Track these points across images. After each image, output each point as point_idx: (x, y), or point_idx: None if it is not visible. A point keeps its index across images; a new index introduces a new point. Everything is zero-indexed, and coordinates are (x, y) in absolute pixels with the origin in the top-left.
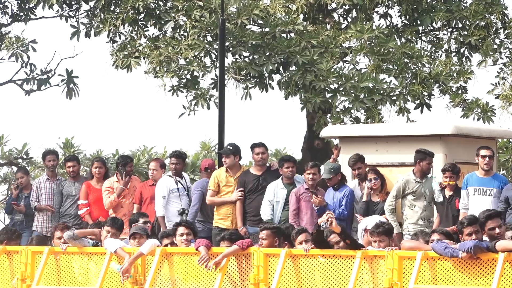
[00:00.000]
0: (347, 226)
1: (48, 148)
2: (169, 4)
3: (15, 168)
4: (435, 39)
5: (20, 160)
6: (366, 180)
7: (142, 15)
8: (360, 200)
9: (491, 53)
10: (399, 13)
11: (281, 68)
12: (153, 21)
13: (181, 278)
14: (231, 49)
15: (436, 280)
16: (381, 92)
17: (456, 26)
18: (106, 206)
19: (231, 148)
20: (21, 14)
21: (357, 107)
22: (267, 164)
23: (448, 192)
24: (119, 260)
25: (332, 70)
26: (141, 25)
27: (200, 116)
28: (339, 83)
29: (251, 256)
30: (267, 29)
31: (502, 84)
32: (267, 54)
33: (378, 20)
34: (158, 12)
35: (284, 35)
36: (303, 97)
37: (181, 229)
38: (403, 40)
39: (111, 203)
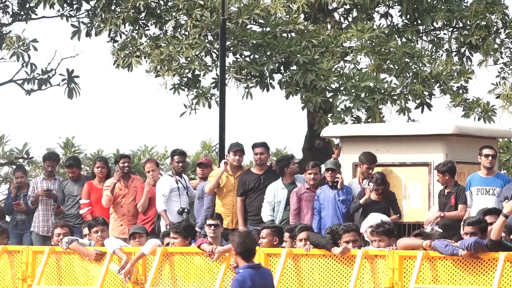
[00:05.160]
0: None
1: (50, 148)
2: (170, 3)
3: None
4: (435, 39)
5: (21, 160)
6: (370, 182)
7: (143, 14)
8: (357, 197)
9: (491, 53)
10: (400, 13)
11: (282, 68)
12: (154, 20)
13: (182, 277)
14: (232, 48)
15: (437, 279)
16: (382, 91)
17: (457, 26)
18: (103, 204)
19: (242, 146)
20: (22, 13)
21: (358, 107)
22: (268, 164)
23: (447, 189)
24: (120, 260)
25: (333, 69)
26: (142, 24)
27: (201, 115)
28: (340, 82)
29: None
30: (268, 29)
31: (503, 84)
32: (268, 53)
33: (379, 20)
34: (159, 11)
35: (285, 34)
36: (304, 97)
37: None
38: (403, 39)
39: (106, 200)
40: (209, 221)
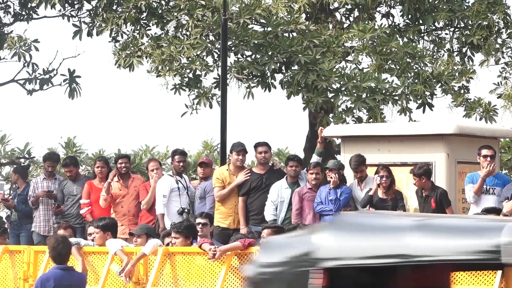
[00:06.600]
0: None
1: (51, 148)
2: (171, 3)
3: None
4: (437, 39)
5: (22, 160)
6: (376, 174)
7: (144, 14)
8: (366, 194)
9: (493, 53)
10: (401, 13)
11: (283, 68)
12: (155, 20)
13: (183, 277)
14: (233, 48)
15: None
16: (383, 92)
17: (459, 26)
18: (100, 204)
19: (244, 145)
20: (23, 13)
21: (359, 107)
22: (270, 163)
23: (424, 192)
24: (121, 261)
25: (334, 69)
26: (143, 24)
27: (202, 115)
28: (341, 83)
29: (252, 255)
30: (269, 29)
31: (505, 84)
32: (270, 53)
33: (380, 20)
34: (160, 11)
35: (286, 34)
36: (305, 97)
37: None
38: (405, 39)
39: (101, 200)
40: (198, 219)
